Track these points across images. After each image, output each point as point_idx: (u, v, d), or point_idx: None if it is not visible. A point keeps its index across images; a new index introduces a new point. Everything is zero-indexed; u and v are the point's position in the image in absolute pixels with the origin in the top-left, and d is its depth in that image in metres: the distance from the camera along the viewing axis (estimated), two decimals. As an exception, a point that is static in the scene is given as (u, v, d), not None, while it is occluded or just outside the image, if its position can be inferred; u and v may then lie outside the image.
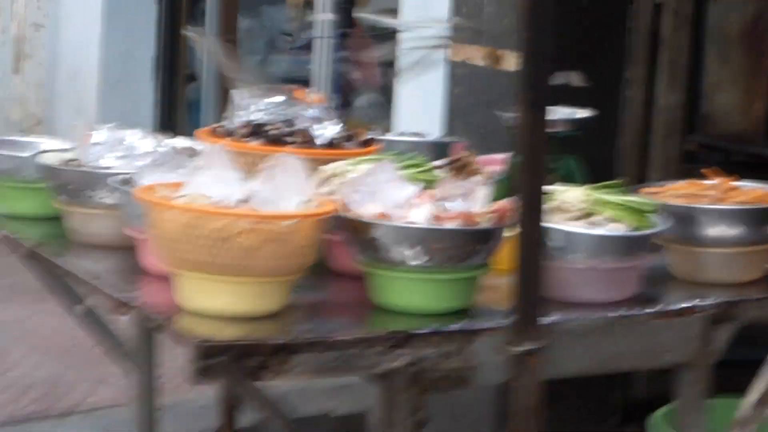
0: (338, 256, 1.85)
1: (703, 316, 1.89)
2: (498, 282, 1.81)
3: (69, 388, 3.60)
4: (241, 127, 2.24)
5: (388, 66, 4.81)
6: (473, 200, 1.78)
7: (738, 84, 3.49)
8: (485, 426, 3.15)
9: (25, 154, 2.26)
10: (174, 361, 3.38)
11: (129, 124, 2.31)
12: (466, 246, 1.69)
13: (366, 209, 1.71)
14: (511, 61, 3.09)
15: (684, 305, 1.89)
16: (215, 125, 2.31)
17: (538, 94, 1.61)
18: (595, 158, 2.25)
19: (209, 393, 2.88)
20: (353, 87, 6.17)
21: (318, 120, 2.29)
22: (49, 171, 2.12)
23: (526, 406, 1.65)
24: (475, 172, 2.22)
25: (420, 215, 1.69)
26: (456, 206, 1.73)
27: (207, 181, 1.63)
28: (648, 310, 1.85)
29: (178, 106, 6.01)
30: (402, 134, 2.81)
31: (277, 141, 2.19)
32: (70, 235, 2.12)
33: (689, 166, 3.24)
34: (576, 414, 3.17)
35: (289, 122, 2.26)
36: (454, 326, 1.67)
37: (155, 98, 5.89)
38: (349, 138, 2.29)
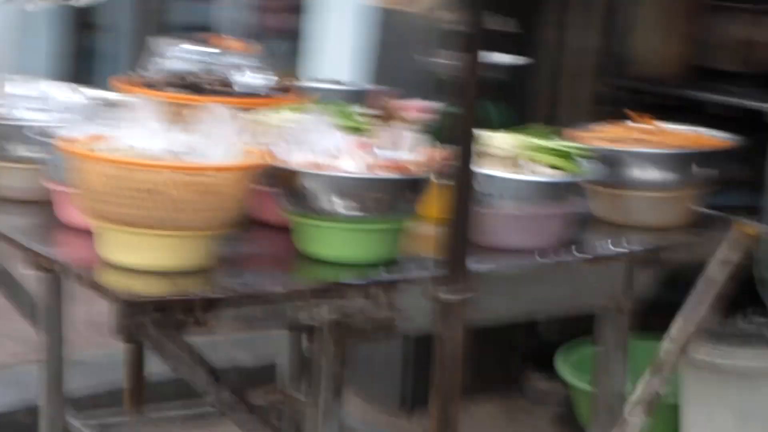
0: (265, 207, 1.81)
1: (628, 261, 1.92)
2: (425, 230, 1.81)
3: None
4: (160, 76, 2.17)
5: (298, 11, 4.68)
6: (403, 148, 1.76)
7: (653, 26, 3.51)
8: (399, 374, 3.20)
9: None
10: (81, 315, 3.38)
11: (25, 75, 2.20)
12: (398, 195, 1.68)
13: (295, 158, 1.68)
14: (423, 3, 3.09)
15: (610, 250, 1.91)
16: (132, 74, 2.23)
17: (473, 39, 1.58)
18: (509, 103, 2.24)
19: (116, 347, 2.85)
20: (262, 33, 6.02)
21: (238, 68, 2.24)
22: None
23: (452, 354, 1.65)
24: (399, 119, 2.20)
25: (351, 164, 1.66)
26: (386, 154, 1.71)
27: (132, 133, 1.57)
28: (575, 256, 1.86)
29: (76, 56, 5.80)
30: (320, 81, 2.74)
31: (198, 90, 2.13)
32: None
33: (602, 109, 3.29)
34: (480, 359, 3.22)
35: (209, 71, 2.20)
36: (382, 276, 1.66)
37: (50, 48, 5.67)
38: (270, 86, 2.24)
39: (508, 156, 1.88)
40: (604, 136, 2.19)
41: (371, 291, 1.62)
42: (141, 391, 2.46)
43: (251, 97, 2.11)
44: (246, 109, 1.99)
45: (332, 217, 1.65)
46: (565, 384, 3.04)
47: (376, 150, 1.73)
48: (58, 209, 1.84)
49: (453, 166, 1.63)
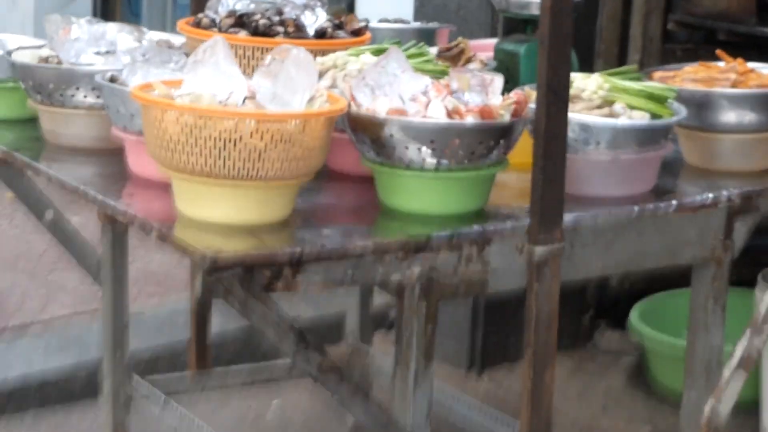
0: (344, 156, 1.71)
1: (726, 209, 1.81)
2: (513, 178, 1.71)
3: (23, 299, 3.33)
4: (226, 17, 2.08)
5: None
6: (489, 92, 1.65)
7: None
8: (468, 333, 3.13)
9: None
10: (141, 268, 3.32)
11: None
12: (487, 142, 1.57)
13: (377, 105, 1.57)
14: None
15: (707, 198, 1.79)
16: (197, 16, 2.13)
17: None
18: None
19: (180, 301, 2.80)
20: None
21: (307, 7, 2.13)
22: (25, 70, 1.93)
23: (547, 311, 1.56)
24: (470, 60, 2.08)
25: (438, 110, 1.55)
26: (473, 99, 1.60)
27: (207, 78, 1.48)
28: (672, 204, 1.75)
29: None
30: (384, 21, 2.61)
31: (267, 32, 2.03)
32: (48, 137, 1.96)
33: (671, 46, 3.32)
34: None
35: (277, 11, 2.10)
36: (472, 229, 1.57)
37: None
38: (339, 26, 2.13)
39: (600, 99, 1.76)
40: (693, 76, 2.06)
41: (463, 246, 1.53)
42: (206, 352, 2.40)
43: (321, 39, 2.02)
44: (317, 52, 1.90)
45: (419, 166, 1.55)
46: (637, 339, 2.97)
47: (461, 94, 1.62)
48: (129, 159, 1.77)
49: (542, 111, 1.52)
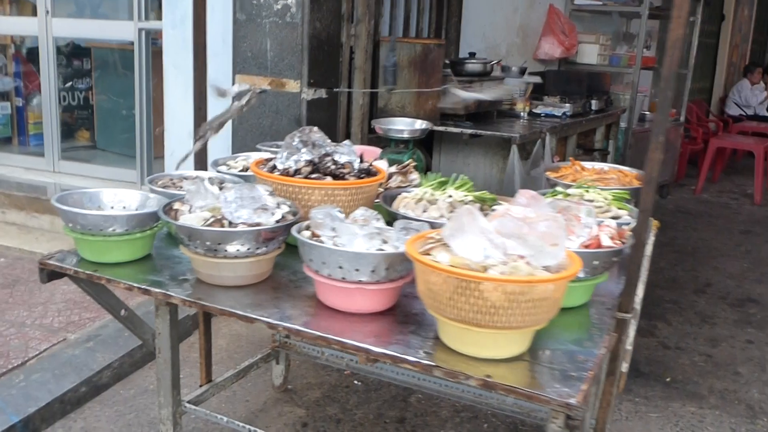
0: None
1: None
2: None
3: None
4: (305, 166, 2.46)
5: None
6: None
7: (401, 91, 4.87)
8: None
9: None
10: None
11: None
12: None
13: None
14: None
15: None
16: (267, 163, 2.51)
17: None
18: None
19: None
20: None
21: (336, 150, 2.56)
22: (193, 232, 2.12)
23: None
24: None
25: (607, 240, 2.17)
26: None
27: (471, 243, 1.80)
28: None
29: None
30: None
31: (338, 174, 2.42)
32: (203, 278, 2.20)
33: (372, 136, 4.56)
34: None
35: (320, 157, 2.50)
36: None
37: None
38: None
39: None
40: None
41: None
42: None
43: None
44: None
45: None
46: None
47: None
48: (319, 292, 2.08)
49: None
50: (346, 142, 2.56)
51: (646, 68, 7.47)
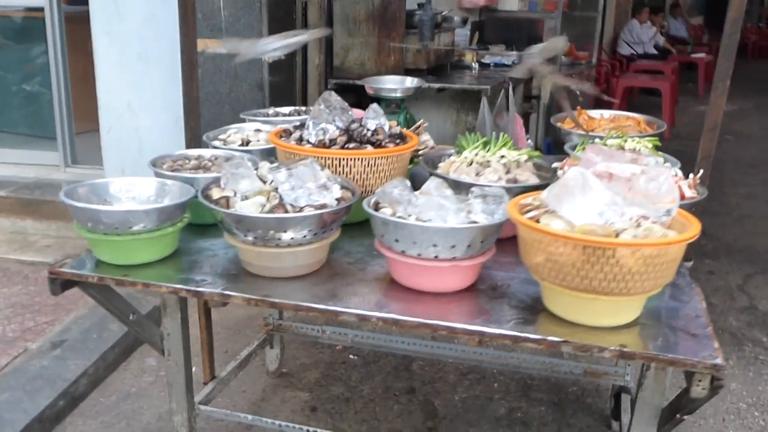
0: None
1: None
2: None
3: None
4: (341, 135, 2.23)
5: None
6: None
7: (360, 47, 4.61)
8: None
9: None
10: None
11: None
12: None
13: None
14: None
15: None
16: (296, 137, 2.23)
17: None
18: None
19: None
20: None
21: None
22: (251, 221, 1.86)
23: None
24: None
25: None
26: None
27: (587, 206, 1.66)
28: None
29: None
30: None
31: (372, 141, 2.21)
32: (255, 270, 1.95)
33: None
34: None
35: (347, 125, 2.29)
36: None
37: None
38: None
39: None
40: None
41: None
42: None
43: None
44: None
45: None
46: None
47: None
48: (394, 272, 1.89)
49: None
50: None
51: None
